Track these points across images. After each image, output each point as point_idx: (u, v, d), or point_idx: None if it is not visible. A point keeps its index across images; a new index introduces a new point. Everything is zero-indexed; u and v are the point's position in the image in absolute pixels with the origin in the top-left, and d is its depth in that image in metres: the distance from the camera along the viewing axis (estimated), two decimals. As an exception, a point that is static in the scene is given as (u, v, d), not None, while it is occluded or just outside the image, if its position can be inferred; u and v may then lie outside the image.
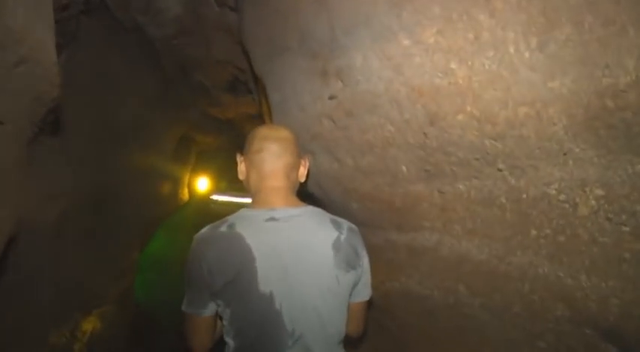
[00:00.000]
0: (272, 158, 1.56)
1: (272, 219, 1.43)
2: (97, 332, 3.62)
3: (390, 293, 2.35)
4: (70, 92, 2.93)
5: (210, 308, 1.43)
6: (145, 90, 4.13)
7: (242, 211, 1.49)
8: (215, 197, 9.54)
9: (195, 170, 7.43)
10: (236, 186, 10.00)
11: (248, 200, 1.63)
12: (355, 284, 1.57)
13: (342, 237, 1.52)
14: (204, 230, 1.45)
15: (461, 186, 1.74)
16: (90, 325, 3.54)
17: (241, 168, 1.64)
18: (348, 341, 1.65)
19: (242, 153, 1.65)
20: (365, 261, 1.63)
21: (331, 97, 2.03)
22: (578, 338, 1.35)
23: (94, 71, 3.20)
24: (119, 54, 3.53)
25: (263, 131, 1.65)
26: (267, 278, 1.36)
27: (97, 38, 3.17)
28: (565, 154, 1.30)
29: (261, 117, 6.19)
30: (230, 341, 1.41)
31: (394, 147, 1.85)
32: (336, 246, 1.48)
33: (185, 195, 6.91)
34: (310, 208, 1.56)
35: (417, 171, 1.87)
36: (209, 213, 8.94)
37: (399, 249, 2.24)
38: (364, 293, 1.66)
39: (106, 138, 3.53)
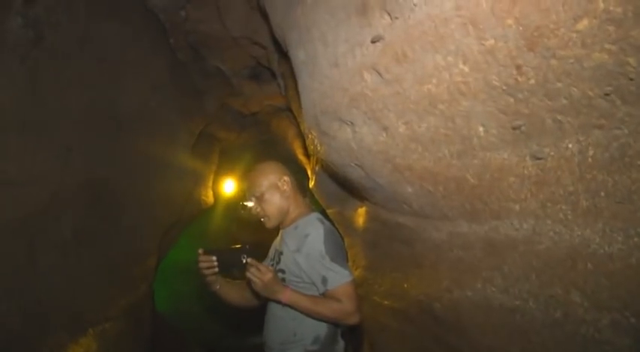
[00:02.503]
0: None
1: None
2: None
3: (460, 305, 1.89)
4: (44, 55, 2.58)
5: None
6: (150, 72, 3.71)
7: (314, 214, 2.02)
8: (251, 203, 8.90)
9: (220, 171, 7.04)
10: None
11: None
12: None
13: None
14: (321, 225, 1.93)
15: (571, 146, 1.26)
16: (80, 349, 3.10)
17: (290, 187, 2.07)
18: None
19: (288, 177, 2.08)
20: None
21: (375, 39, 1.57)
22: None
23: (79, 37, 2.82)
24: (115, 23, 3.15)
25: (279, 164, 2.15)
26: None
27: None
28: None
29: (289, 111, 5.81)
30: None
31: (468, 98, 1.37)
32: None
33: (209, 197, 6.54)
34: None
35: (500, 131, 1.39)
36: (239, 220, 8.52)
37: (472, 244, 1.77)
38: None
39: (103, 125, 3.14)
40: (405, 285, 2.51)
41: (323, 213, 4.43)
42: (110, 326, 3.47)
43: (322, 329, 1.93)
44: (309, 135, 2.46)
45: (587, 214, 1.28)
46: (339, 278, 1.82)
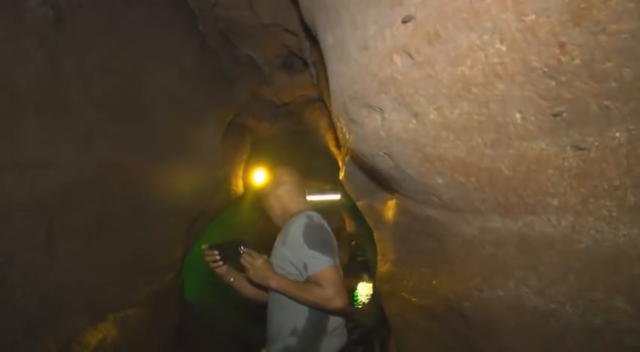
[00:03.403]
0: (299, 184, 2.43)
1: (321, 216, 2.20)
2: (111, 341, 3.18)
3: (491, 305, 1.78)
4: (65, 38, 2.55)
5: None
6: (179, 59, 3.65)
7: (307, 211, 2.19)
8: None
9: (251, 161, 7.02)
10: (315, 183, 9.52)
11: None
12: None
13: None
14: (305, 219, 2.12)
15: (619, 135, 1.16)
16: (99, 334, 3.10)
17: (288, 192, 2.38)
18: None
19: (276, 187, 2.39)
20: None
21: (406, 19, 1.48)
22: None
23: (104, 21, 2.77)
24: (142, 7, 3.10)
25: (284, 170, 2.49)
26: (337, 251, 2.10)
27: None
28: None
29: (322, 102, 5.73)
30: None
31: (504, 81, 1.27)
32: None
33: (239, 188, 6.54)
34: None
35: (539, 118, 1.29)
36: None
37: (505, 240, 1.67)
38: None
39: (129, 111, 3.10)
40: (434, 282, 2.42)
41: (353, 206, 4.36)
42: (132, 313, 3.46)
43: (300, 322, 2.07)
44: (338, 123, 2.38)
45: (635, 211, 1.17)
46: (319, 263, 1.98)
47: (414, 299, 2.77)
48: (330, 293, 1.92)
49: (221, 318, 7.29)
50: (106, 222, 3.02)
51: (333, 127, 5.83)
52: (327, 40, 2.06)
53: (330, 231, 2.18)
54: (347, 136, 2.31)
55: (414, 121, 1.67)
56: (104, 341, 3.10)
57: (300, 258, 2.04)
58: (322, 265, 1.97)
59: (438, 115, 1.56)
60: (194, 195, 4.42)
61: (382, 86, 1.70)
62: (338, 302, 1.93)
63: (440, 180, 1.78)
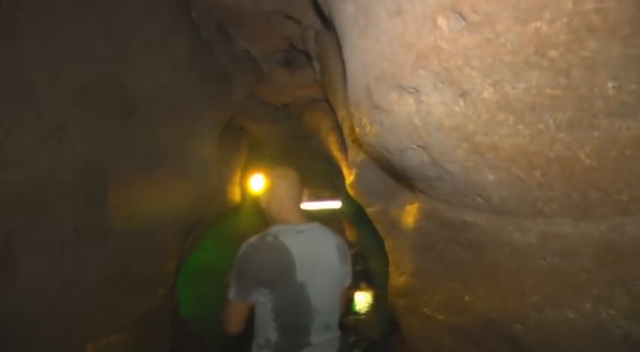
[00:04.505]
0: (289, 189, 2.25)
1: (299, 231, 2.12)
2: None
3: (555, 330, 1.50)
4: (29, 17, 2.18)
5: (253, 297, 2.01)
6: (168, 49, 3.29)
7: (277, 226, 2.14)
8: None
9: (248, 166, 6.74)
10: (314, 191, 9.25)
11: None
12: (346, 274, 2.27)
13: (339, 241, 2.25)
14: (253, 239, 2.08)
15: None
16: None
17: (271, 199, 2.26)
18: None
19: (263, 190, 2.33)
20: (350, 257, 2.33)
21: (456, -31, 1.19)
22: None
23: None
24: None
25: (276, 172, 2.36)
26: (302, 273, 2.01)
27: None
28: None
29: (324, 102, 5.47)
30: (271, 322, 2.04)
31: (598, 36, 0.99)
32: (338, 247, 2.20)
33: (236, 195, 6.25)
34: (315, 223, 2.24)
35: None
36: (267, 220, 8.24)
37: (577, 250, 1.38)
38: (349, 280, 2.32)
39: (111, 106, 2.73)
40: (467, 298, 2.14)
41: (354, 214, 4.05)
42: (117, 339, 3.05)
43: (272, 334, 2.08)
44: (355, 114, 2.07)
45: None
46: (228, 292, 2.07)
47: (440, 317, 2.48)
48: (223, 319, 2.09)
49: (219, 333, 6.97)
50: (85, 232, 2.63)
51: (336, 129, 5.57)
52: (347, 9, 1.77)
53: (272, 254, 2.03)
54: (367, 129, 2.01)
55: (461, 102, 1.38)
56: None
57: None
58: (228, 294, 2.07)
59: (494, 92, 1.27)
60: (188, 203, 4.07)
61: (421, 59, 1.41)
62: (225, 330, 2.09)
63: (491, 177, 1.48)
